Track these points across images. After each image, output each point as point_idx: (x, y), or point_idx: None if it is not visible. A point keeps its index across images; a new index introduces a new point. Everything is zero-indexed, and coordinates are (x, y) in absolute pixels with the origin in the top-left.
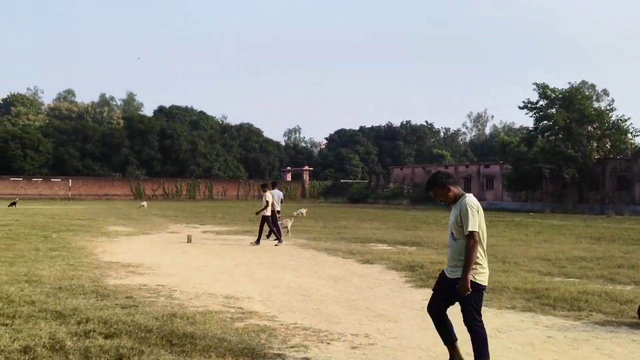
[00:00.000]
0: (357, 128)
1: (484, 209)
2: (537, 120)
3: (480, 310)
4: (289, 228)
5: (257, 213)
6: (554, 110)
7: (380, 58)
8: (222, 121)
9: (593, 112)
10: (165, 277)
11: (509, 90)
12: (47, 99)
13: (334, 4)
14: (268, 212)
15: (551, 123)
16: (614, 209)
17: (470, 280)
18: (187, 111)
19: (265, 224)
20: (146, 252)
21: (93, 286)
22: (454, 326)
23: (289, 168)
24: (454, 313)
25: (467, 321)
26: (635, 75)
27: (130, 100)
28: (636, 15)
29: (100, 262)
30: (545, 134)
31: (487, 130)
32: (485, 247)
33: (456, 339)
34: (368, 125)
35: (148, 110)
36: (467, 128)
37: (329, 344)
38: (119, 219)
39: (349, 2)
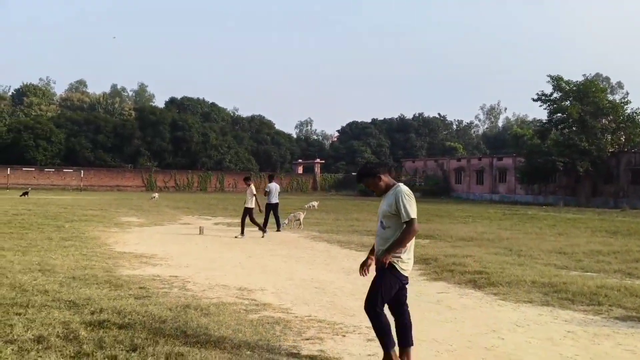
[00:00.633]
0: (369, 120)
1: (497, 202)
2: (551, 113)
3: (385, 300)
4: (301, 220)
5: (260, 209)
6: (568, 103)
7: (392, 50)
8: (234, 113)
9: (607, 104)
10: (178, 269)
11: (522, 83)
12: (59, 89)
13: None
14: (252, 205)
15: (565, 116)
16: (628, 203)
17: (393, 264)
18: (198, 103)
19: (247, 216)
20: (158, 243)
21: (106, 276)
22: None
23: (300, 160)
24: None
25: (368, 305)
26: None
27: (141, 91)
28: None
29: (113, 252)
30: (559, 126)
31: (500, 123)
32: (414, 240)
33: (411, 345)
34: (380, 118)
35: (159, 102)
36: (479, 120)
37: (344, 336)
38: (130, 210)
39: None
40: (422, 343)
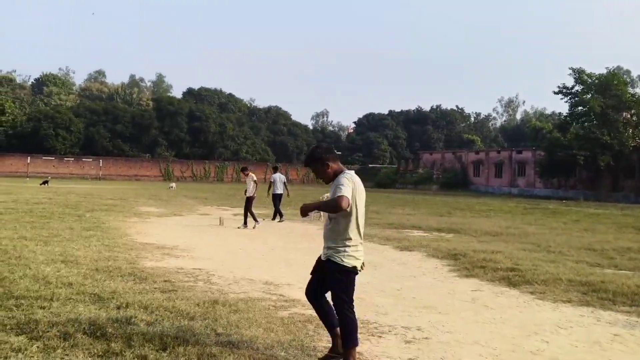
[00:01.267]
0: (385, 112)
1: (516, 196)
2: (572, 106)
3: (351, 294)
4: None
5: (268, 195)
6: (589, 96)
7: (409, 42)
8: (250, 104)
9: (630, 98)
10: (201, 261)
11: (540, 76)
12: (79, 79)
13: None
14: (252, 193)
15: (586, 109)
16: None
17: (335, 262)
18: (215, 93)
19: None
20: (179, 234)
21: (130, 268)
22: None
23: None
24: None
25: (335, 305)
26: None
27: (159, 81)
28: None
29: (134, 243)
30: (581, 120)
31: (518, 116)
32: (362, 232)
33: (337, 325)
34: (397, 110)
35: (177, 92)
36: (497, 113)
37: (380, 337)
38: (149, 199)
39: None
40: (464, 346)
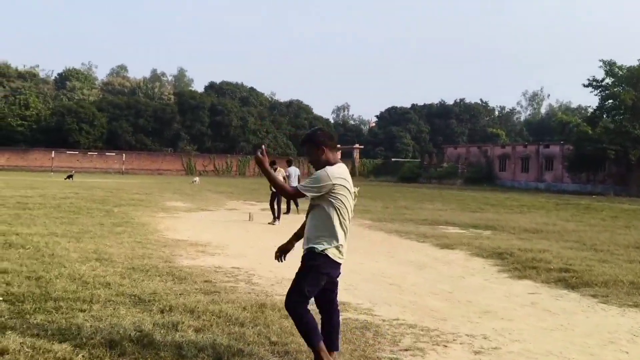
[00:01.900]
0: (408, 106)
1: (543, 191)
2: (603, 99)
3: (310, 293)
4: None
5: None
6: (620, 89)
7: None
8: (271, 98)
9: None
10: (237, 258)
11: (566, 69)
12: (101, 74)
13: None
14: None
15: (617, 102)
16: None
17: (311, 250)
18: (237, 87)
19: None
20: (209, 230)
21: (167, 267)
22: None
23: (338, 146)
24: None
25: (288, 302)
26: None
27: (181, 76)
28: None
29: (166, 239)
30: (611, 113)
31: (543, 110)
32: (347, 228)
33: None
34: (420, 103)
35: (199, 86)
36: (522, 107)
37: (445, 346)
38: (174, 194)
39: None
40: (538, 357)
